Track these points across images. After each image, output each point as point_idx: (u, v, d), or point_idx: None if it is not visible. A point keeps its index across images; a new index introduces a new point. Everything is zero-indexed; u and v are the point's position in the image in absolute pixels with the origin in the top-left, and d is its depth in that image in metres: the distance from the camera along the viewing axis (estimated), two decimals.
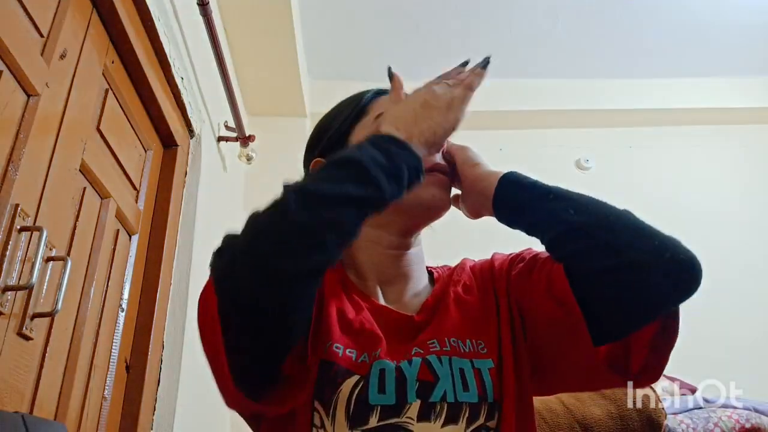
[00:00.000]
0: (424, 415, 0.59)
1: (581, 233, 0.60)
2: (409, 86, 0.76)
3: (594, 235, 0.60)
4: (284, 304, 0.53)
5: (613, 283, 0.58)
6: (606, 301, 0.60)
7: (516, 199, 0.65)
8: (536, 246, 0.69)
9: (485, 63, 0.71)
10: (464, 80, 0.68)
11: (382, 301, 0.71)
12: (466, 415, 0.59)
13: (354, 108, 0.78)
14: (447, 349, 0.64)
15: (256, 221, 0.54)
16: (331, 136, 0.79)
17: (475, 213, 0.72)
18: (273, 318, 0.53)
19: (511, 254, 0.75)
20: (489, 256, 0.80)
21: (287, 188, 0.55)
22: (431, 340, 0.65)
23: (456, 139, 0.76)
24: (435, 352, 0.63)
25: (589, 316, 0.60)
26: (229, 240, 0.55)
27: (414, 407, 0.59)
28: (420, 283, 0.75)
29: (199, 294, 0.59)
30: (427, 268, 0.79)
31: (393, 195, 0.57)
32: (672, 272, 0.58)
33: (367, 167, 0.55)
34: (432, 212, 0.73)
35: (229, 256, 0.54)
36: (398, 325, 0.67)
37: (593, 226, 0.60)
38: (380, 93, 0.79)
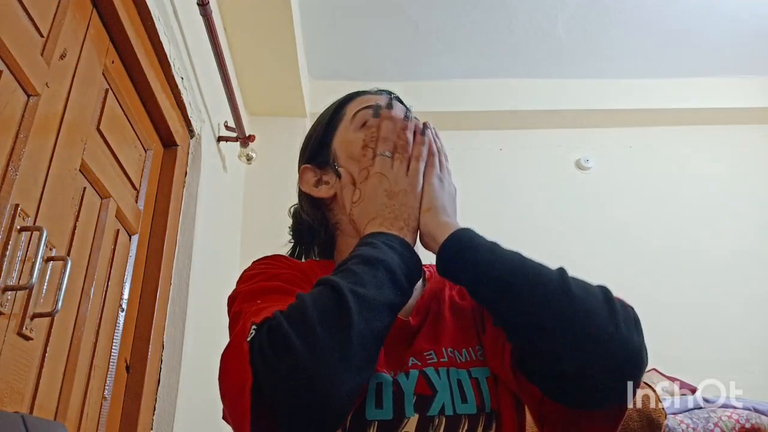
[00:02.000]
0: (422, 430, 0.58)
1: (516, 335, 0.57)
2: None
3: (523, 338, 0.56)
4: (337, 414, 0.52)
5: (553, 384, 0.56)
6: (549, 392, 0.57)
7: (453, 273, 0.62)
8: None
9: (424, 128, 0.71)
10: (415, 153, 0.69)
11: None
12: (465, 427, 0.59)
13: (332, 113, 0.80)
14: (444, 360, 0.63)
15: (317, 319, 0.50)
16: (313, 142, 0.82)
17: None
18: (321, 421, 0.51)
19: None
20: None
21: (338, 287, 0.53)
22: (428, 352, 0.64)
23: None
24: (432, 364, 0.63)
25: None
26: (290, 324, 0.50)
27: (412, 422, 0.58)
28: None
29: (221, 352, 0.56)
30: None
31: (409, 297, 0.60)
32: (609, 380, 0.53)
33: (398, 275, 0.58)
34: None
35: (289, 353, 0.49)
36: (394, 330, 0.65)
37: (523, 328, 0.56)
38: (358, 94, 0.81)
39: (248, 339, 0.51)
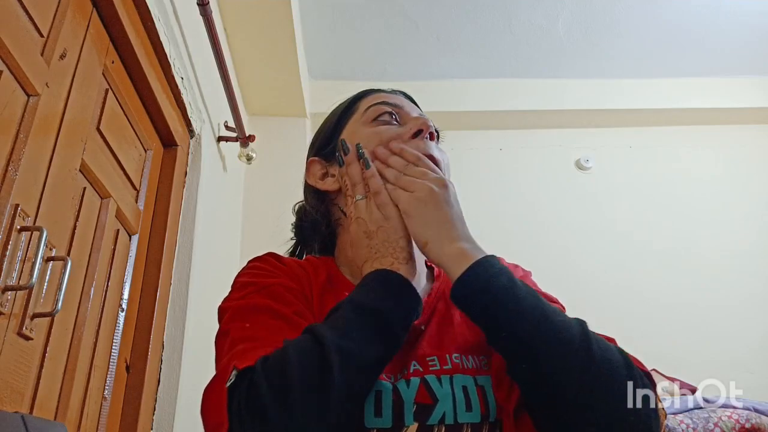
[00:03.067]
0: None
1: (526, 390, 0.56)
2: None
3: (537, 401, 0.55)
4: None
5: None
6: None
7: (467, 310, 0.59)
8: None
9: (362, 155, 0.69)
10: (373, 189, 0.67)
11: None
12: None
13: (344, 108, 0.80)
14: (448, 367, 0.62)
15: (294, 378, 0.49)
16: (322, 134, 0.81)
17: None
18: None
19: None
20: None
21: (323, 340, 0.52)
22: (431, 357, 0.63)
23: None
24: (434, 372, 0.61)
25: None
26: (265, 380, 0.50)
27: (411, 430, 0.58)
28: (419, 279, 0.73)
29: (204, 388, 0.56)
30: (426, 263, 0.77)
31: (401, 344, 0.59)
32: None
33: (393, 326, 0.57)
34: None
35: (261, 413, 0.48)
36: None
37: (538, 392, 0.55)
38: (372, 91, 0.81)
39: (228, 384, 0.51)
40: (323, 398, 0.49)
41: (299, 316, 0.62)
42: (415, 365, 0.62)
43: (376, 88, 0.82)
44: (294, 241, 0.85)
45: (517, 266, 0.76)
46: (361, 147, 0.71)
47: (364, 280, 0.61)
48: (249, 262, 0.73)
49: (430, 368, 0.62)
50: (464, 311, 0.60)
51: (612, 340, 0.58)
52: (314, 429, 0.49)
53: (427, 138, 0.72)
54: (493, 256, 0.61)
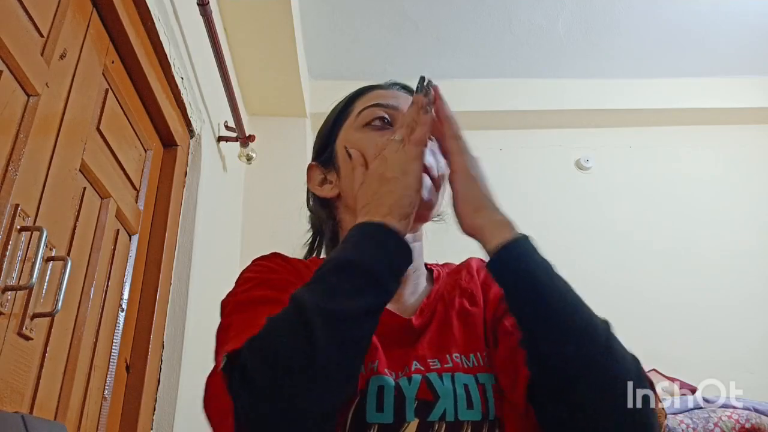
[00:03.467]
0: None
1: (542, 369, 0.56)
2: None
3: (552, 382, 0.55)
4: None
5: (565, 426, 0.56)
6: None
7: (507, 284, 0.60)
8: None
9: (426, 109, 0.67)
10: (414, 137, 0.64)
11: None
12: None
13: (340, 109, 0.79)
14: (449, 365, 0.62)
15: (279, 348, 0.50)
16: (320, 138, 0.80)
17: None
18: None
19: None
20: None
21: (304, 305, 0.51)
22: (432, 359, 0.63)
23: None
24: (436, 370, 0.62)
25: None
26: (251, 358, 0.50)
27: (412, 426, 0.58)
28: (419, 281, 0.74)
29: (207, 377, 0.57)
30: (427, 265, 0.77)
31: (394, 291, 0.57)
32: None
33: (377, 273, 0.55)
34: (417, 216, 0.69)
35: (252, 388, 0.49)
36: (395, 330, 0.65)
37: (556, 374, 0.55)
38: (371, 88, 0.79)
39: (221, 368, 0.52)
40: (310, 363, 0.49)
41: None
42: (416, 364, 0.62)
43: (374, 84, 0.79)
44: (311, 237, 0.84)
45: None
46: (430, 81, 0.68)
47: (349, 233, 0.60)
48: (254, 260, 0.73)
49: (431, 367, 0.62)
50: (503, 276, 0.59)
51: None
52: (305, 396, 0.49)
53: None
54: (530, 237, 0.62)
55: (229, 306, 0.64)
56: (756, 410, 1.80)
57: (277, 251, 0.75)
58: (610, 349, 0.54)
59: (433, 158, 0.70)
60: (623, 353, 0.55)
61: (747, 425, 1.75)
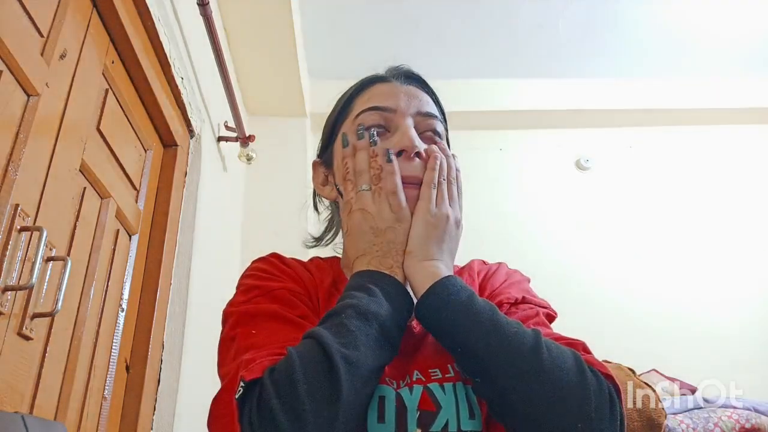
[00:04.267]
0: None
1: (488, 404, 0.57)
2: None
3: (497, 415, 0.56)
4: None
5: None
6: None
7: (429, 328, 0.61)
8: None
9: (388, 157, 0.66)
10: (387, 188, 0.65)
11: None
12: None
13: (342, 105, 0.77)
14: (450, 375, 0.62)
15: (304, 389, 0.50)
16: (323, 135, 0.80)
17: None
18: None
19: (513, 300, 0.70)
20: (498, 262, 0.77)
21: (329, 349, 0.52)
22: (433, 369, 0.62)
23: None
24: (437, 380, 0.61)
25: None
26: (274, 394, 0.50)
27: None
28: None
29: (212, 398, 0.57)
30: None
31: (397, 351, 0.59)
32: None
33: (392, 331, 0.57)
34: None
35: (272, 425, 0.49)
36: None
37: (496, 406, 0.56)
38: (372, 82, 0.77)
39: (237, 396, 0.52)
40: (333, 409, 0.50)
41: (305, 320, 0.62)
42: (417, 374, 0.62)
43: (377, 76, 0.77)
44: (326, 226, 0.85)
45: (516, 271, 0.76)
46: (374, 133, 0.68)
47: (363, 278, 0.61)
48: (252, 263, 0.72)
49: (432, 378, 0.62)
50: (428, 329, 0.61)
51: (578, 344, 0.59)
52: None
53: (413, 156, 0.68)
54: (455, 276, 0.62)
55: (232, 317, 0.64)
56: (756, 410, 1.80)
57: (276, 252, 0.75)
58: (537, 359, 0.53)
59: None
60: (556, 358, 0.54)
61: (747, 425, 1.75)
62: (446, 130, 0.77)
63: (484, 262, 0.78)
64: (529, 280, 0.75)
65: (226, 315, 0.65)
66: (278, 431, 0.48)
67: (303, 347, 0.53)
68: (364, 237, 0.64)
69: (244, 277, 0.70)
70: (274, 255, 0.74)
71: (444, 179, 0.68)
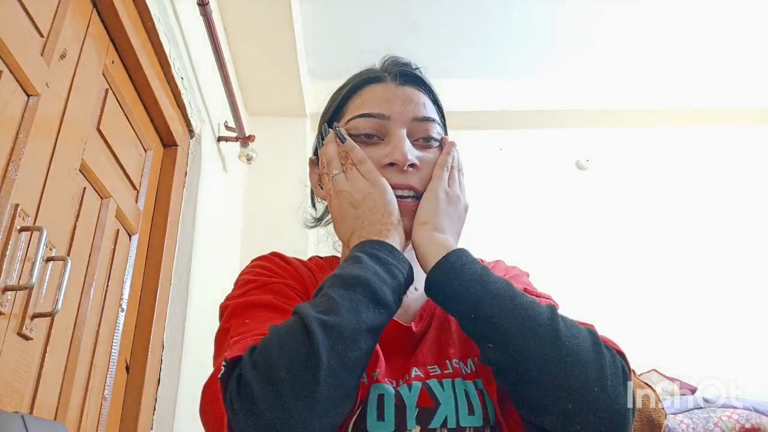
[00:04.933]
0: None
1: (497, 372, 0.56)
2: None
3: (509, 382, 0.55)
4: None
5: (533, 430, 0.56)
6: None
7: (441, 302, 0.60)
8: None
9: (341, 135, 0.69)
10: (355, 157, 0.66)
11: None
12: None
13: (335, 107, 0.76)
14: (449, 371, 0.62)
15: (280, 363, 0.49)
16: (318, 137, 0.78)
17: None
18: None
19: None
20: (497, 259, 0.77)
21: (307, 319, 0.50)
22: (432, 366, 0.62)
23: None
24: (436, 377, 0.61)
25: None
26: (251, 370, 0.49)
27: None
28: (418, 284, 0.71)
29: (203, 383, 0.56)
30: None
31: (396, 309, 0.58)
32: None
33: (380, 292, 0.55)
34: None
35: (250, 402, 0.48)
36: (394, 337, 0.64)
37: (509, 372, 0.55)
38: (366, 82, 0.75)
39: (219, 376, 0.51)
40: (312, 375, 0.48)
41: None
42: (416, 371, 0.62)
43: (371, 75, 0.76)
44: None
45: (514, 267, 0.76)
46: (338, 126, 0.70)
47: (353, 250, 0.60)
48: (253, 260, 0.72)
49: (431, 374, 0.62)
50: (437, 299, 0.60)
51: (589, 326, 0.58)
52: (304, 413, 0.48)
53: (406, 168, 0.67)
54: (467, 250, 0.62)
55: (228, 309, 0.64)
56: (756, 410, 1.80)
57: (276, 251, 0.75)
58: (554, 328, 0.53)
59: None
60: (571, 328, 0.54)
61: (747, 425, 1.75)
62: (445, 128, 0.76)
63: (481, 261, 0.77)
64: (528, 275, 0.75)
65: (222, 309, 0.65)
66: (255, 403, 0.48)
67: (284, 323, 0.53)
68: (347, 215, 0.64)
69: (243, 273, 0.70)
70: (274, 253, 0.74)
71: (456, 166, 0.69)
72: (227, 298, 0.67)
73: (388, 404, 0.58)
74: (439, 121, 0.74)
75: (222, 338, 0.61)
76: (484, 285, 0.57)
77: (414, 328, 0.66)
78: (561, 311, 0.64)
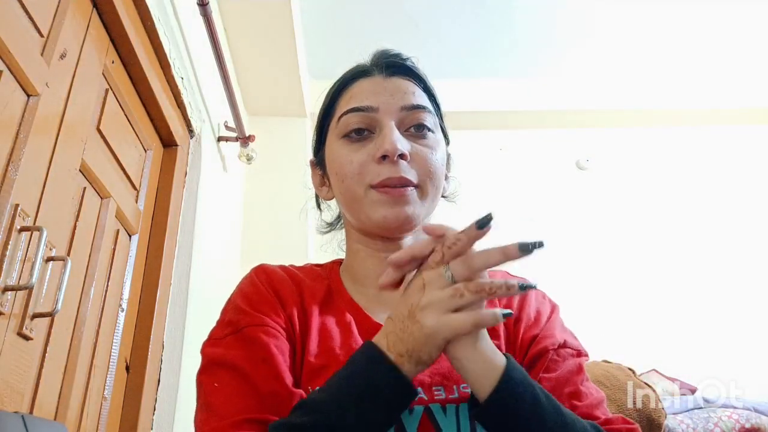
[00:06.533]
0: None
1: None
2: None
3: None
4: None
5: None
6: None
7: (491, 425, 0.53)
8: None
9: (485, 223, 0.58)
10: (473, 288, 0.53)
11: (376, 315, 0.66)
12: None
13: (327, 105, 0.75)
14: (454, 396, 0.58)
15: None
16: (315, 137, 0.77)
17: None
18: None
19: (556, 345, 0.64)
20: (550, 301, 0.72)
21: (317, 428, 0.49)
22: (437, 387, 0.59)
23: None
24: (439, 401, 0.58)
25: None
26: None
27: None
28: None
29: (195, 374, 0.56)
30: None
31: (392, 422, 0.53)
32: None
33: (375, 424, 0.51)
34: (391, 231, 0.66)
35: None
36: None
37: None
38: (354, 78, 0.73)
39: None
40: None
41: (267, 363, 0.59)
42: (419, 392, 0.59)
43: (360, 70, 0.74)
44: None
45: (545, 297, 0.71)
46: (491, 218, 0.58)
47: (361, 360, 0.53)
48: (242, 280, 0.69)
49: (435, 397, 0.59)
50: (486, 426, 0.53)
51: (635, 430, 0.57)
52: None
53: (397, 159, 0.64)
54: (514, 367, 0.53)
55: (203, 359, 0.63)
56: (756, 410, 1.80)
57: (264, 265, 0.71)
58: None
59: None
60: None
61: (747, 425, 1.75)
62: (440, 117, 0.73)
63: (507, 273, 0.70)
64: (558, 308, 0.70)
65: (202, 352, 0.64)
66: None
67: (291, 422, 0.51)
68: (400, 314, 0.53)
69: (230, 299, 0.68)
70: (261, 272, 0.69)
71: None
72: (208, 337, 0.66)
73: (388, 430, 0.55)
74: (433, 111, 0.70)
75: (198, 390, 0.61)
76: (541, 422, 0.51)
77: None
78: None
